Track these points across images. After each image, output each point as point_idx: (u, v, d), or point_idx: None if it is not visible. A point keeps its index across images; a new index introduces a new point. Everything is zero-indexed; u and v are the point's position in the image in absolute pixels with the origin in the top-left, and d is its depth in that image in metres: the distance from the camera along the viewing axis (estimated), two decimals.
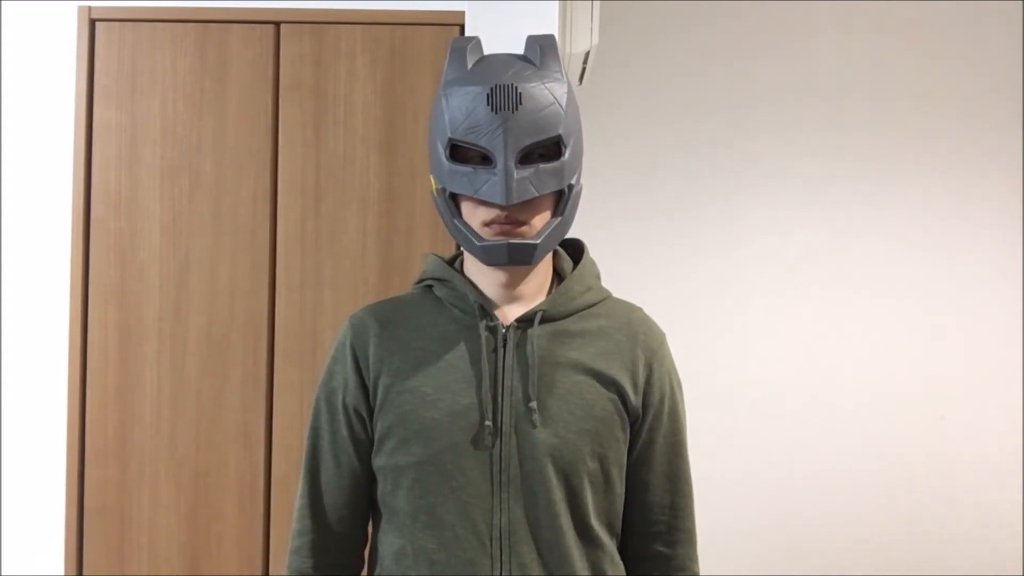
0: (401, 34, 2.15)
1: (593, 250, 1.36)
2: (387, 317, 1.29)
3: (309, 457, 1.31)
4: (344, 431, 1.28)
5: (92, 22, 2.17)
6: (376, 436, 1.25)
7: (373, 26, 2.15)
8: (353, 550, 1.33)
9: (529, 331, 1.23)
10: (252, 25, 2.16)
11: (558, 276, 1.32)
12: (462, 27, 2.13)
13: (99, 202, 2.16)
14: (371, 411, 1.27)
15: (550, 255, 1.30)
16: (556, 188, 1.18)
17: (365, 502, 1.31)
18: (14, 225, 2.25)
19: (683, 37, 3.30)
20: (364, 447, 1.28)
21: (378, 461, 1.26)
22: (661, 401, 1.28)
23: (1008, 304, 3.27)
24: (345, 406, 1.27)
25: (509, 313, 1.25)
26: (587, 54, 2.49)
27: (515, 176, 1.14)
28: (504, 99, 1.15)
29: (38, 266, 2.23)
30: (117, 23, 2.17)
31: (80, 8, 2.17)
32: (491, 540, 1.19)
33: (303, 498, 1.31)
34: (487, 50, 1.26)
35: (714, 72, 3.29)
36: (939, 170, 3.29)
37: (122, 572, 2.13)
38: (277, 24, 2.16)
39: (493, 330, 1.23)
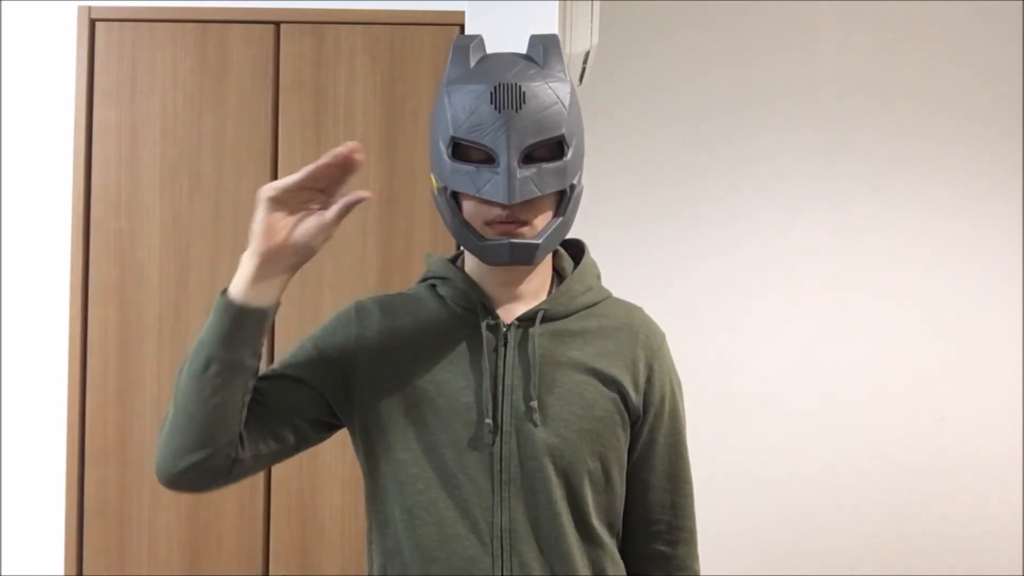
0: (401, 34, 2.15)
1: (593, 250, 1.35)
2: (392, 307, 1.28)
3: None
4: (304, 358, 1.23)
5: (92, 22, 2.17)
6: (373, 430, 1.23)
7: (373, 26, 2.15)
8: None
9: (531, 330, 1.22)
10: (252, 25, 2.16)
11: (558, 276, 1.31)
12: (462, 27, 2.13)
13: (99, 202, 2.16)
14: (343, 379, 1.23)
15: (550, 255, 1.30)
16: (558, 188, 1.18)
17: (268, 420, 1.19)
18: (14, 225, 2.25)
19: (683, 37, 3.30)
20: (306, 389, 1.21)
21: (378, 457, 1.24)
22: (662, 401, 1.28)
23: (1008, 304, 3.27)
24: (319, 346, 1.24)
25: (510, 312, 1.25)
26: (587, 54, 2.49)
27: (518, 175, 1.13)
28: (508, 98, 1.14)
29: (38, 266, 2.23)
30: (117, 23, 2.17)
31: (80, 8, 2.17)
32: (492, 539, 1.19)
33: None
34: (486, 50, 1.25)
35: (714, 72, 3.29)
36: (939, 170, 3.29)
37: (122, 572, 2.13)
38: (277, 24, 2.16)
39: (494, 328, 1.23)
